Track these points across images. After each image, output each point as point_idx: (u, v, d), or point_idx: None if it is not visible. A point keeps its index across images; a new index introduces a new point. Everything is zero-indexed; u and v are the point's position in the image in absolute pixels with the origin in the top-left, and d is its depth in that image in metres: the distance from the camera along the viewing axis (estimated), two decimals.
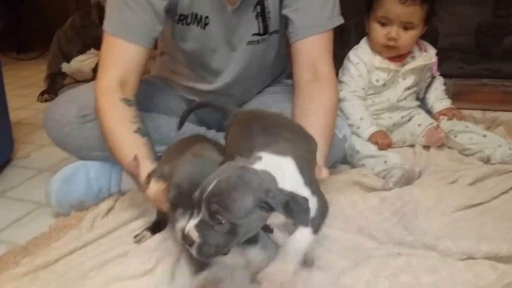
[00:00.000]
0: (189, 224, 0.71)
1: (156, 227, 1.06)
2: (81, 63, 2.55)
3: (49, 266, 0.98)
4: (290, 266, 0.77)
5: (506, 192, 1.17)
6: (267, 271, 0.78)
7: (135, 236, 1.05)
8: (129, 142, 1.03)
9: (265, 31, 1.23)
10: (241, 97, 1.37)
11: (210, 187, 0.70)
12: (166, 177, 0.87)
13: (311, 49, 1.18)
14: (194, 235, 0.70)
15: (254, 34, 1.23)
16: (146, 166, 0.98)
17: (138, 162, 0.98)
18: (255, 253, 0.94)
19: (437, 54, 1.54)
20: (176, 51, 1.28)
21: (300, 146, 0.84)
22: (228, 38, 1.22)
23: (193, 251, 0.71)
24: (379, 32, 1.42)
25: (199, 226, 0.70)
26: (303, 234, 0.77)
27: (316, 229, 0.78)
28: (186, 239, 0.71)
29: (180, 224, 0.80)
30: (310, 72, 1.18)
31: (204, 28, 1.19)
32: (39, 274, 0.96)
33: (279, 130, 0.87)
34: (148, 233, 1.05)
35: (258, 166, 0.73)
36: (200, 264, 0.89)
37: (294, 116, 1.16)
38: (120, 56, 1.12)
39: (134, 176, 1.00)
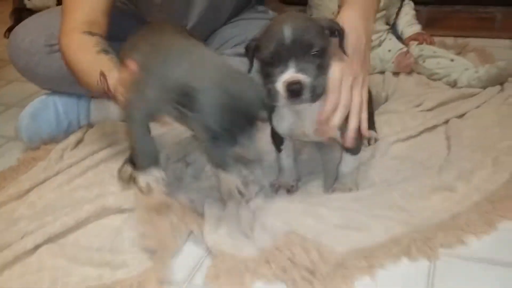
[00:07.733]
0: (288, 75, 0.72)
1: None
2: None
3: (22, 196, 0.99)
4: None
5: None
6: None
7: (119, 172, 1.02)
8: (94, 65, 0.95)
9: None
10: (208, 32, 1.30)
11: (290, 31, 0.72)
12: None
13: None
14: (302, 77, 0.71)
15: None
16: (114, 76, 0.91)
17: (105, 76, 0.91)
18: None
19: None
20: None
21: None
22: None
23: (306, 95, 0.72)
24: None
25: (299, 69, 0.72)
26: None
27: None
28: (292, 88, 0.71)
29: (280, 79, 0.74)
30: None
31: None
32: (11, 204, 0.97)
33: None
34: (129, 168, 1.00)
35: None
36: None
37: None
38: None
39: (106, 91, 0.91)
